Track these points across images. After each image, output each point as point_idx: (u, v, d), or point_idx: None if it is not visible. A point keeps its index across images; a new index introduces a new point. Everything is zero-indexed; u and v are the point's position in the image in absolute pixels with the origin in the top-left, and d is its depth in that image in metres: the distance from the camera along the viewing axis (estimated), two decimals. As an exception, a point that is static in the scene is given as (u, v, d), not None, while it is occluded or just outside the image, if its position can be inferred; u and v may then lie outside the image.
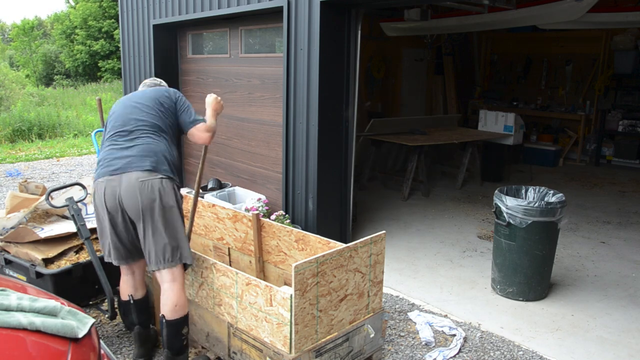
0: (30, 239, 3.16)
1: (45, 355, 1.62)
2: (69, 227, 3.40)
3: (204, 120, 2.98)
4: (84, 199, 3.32)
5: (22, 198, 3.56)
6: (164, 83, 3.32)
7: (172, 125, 2.94)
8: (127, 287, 3.02)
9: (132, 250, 2.85)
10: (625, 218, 6.23)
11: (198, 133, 2.94)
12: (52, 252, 3.09)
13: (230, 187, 5.76)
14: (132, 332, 3.08)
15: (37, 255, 3.07)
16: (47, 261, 3.11)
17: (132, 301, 3.01)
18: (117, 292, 3.42)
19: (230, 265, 3.79)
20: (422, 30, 8.17)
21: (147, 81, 3.28)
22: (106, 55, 23.70)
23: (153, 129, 2.82)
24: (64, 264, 3.19)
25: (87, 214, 3.57)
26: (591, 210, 6.52)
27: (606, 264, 4.84)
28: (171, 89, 3.08)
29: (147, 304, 3.12)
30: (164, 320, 2.72)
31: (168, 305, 2.72)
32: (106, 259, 2.88)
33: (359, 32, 4.77)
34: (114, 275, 3.17)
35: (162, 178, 2.68)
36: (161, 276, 2.74)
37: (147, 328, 3.11)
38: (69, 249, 3.22)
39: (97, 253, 3.23)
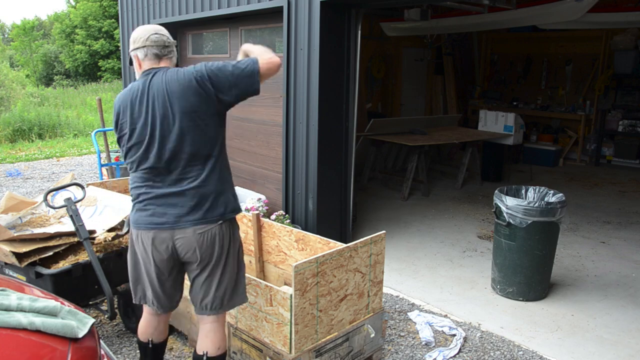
0: (3, 238, 3.11)
1: (45, 355, 1.62)
2: (58, 229, 3.39)
3: (253, 61, 2.29)
4: (82, 199, 3.32)
5: (18, 200, 3.56)
6: (169, 37, 2.45)
7: (216, 130, 2.34)
8: (149, 329, 2.63)
9: (172, 300, 2.57)
10: (625, 218, 6.23)
11: (265, 64, 2.27)
12: (25, 248, 3.06)
13: (230, 187, 5.76)
14: None
15: (9, 248, 3.02)
16: (20, 256, 3.05)
17: (150, 345, 2.64)
18: (116, 292, 3.42)
19: (230, 265, 3.79)
20: (422, 30, 8.17)
21: (153, 47, 2.36)
22: (106, 55, 23.72)
23: (195, 161, 2.31)
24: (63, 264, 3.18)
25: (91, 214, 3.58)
26: (591, 210, 6.52)
27: (606, 264, 4.84)
28: (193, 71, 2.28)
29: (163, 349, 2.76)
30: (205, 358, 2.46)
31: (211, 346, 2.46)
32: (136, 302, 2.59)
33: (359, 32, 4.77)
34: (113, 275, 3.17)
35: (220, 224, 2.35)
36: (203, 317, 2.48)
37: None
38: (47, 248, 3.16)
39: (97, 254, 3.23)
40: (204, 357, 2.44)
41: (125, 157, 2.41)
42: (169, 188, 2.32)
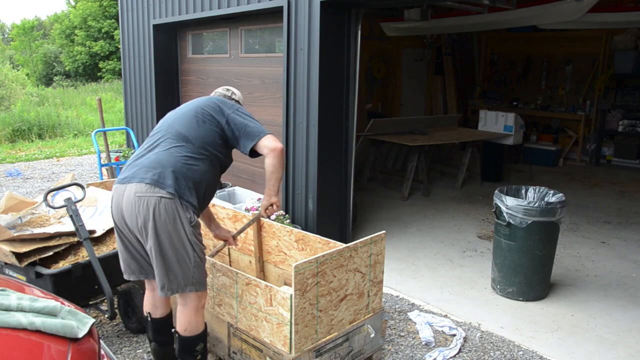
0: (3, 238, 3.12)
1: (45, 355, 1.62)
2: (58, 229, 3.39)
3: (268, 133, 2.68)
4: (82, 199, 3.32)
5: (18, 200, 3.55)
6: (236, 94, 2.99)
7: (211, 139, 2.60)
8: (147, 304, 2.81)
9: (144, 265, 2.64)
10: (625, 218, 6.23)
11: (265, 144, 2.62)
12: (25, 248, 3.07)
13: (230, 187, 5.76)
14: (150, 347, 2.94)
15: (9, 248, 3.03)
16: (20, 256, 3.06)
17: (149, 318, 2.80)
18: (116, 292, 3.42)
19: (230, 265, 3.79)
20: (422, 30, 8.18)
21: (219, 89, 3.00)
22: (106, 56, 23.70)
23: (175, 137, 2.55)
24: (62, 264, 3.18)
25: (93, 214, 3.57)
26: (591, 210, 6.52)
27: (606, 264, 4.84)
28: (231, 102, 2.79)
29: (165, 325, 2.82)
30: (176, 335, 2.63)
31: (178, 326, 2.61)
32: (125, 276, 2.71)
33: (359, 32, 4.77)
34: (113, 275, 3.17)
35: (161, 197, 2.38)
36: (174, 297, 2.62)
37: (165, 346, 2.84)
38: (47, 248, 3.16)
39: (98, 254, 3.23)
40: (176, 334, 2.64)
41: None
42: (144, 152, 2.58)
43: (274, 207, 2.79)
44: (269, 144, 2.60)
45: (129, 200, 2.43)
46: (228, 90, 2.98)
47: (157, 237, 2.40)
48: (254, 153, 2.68)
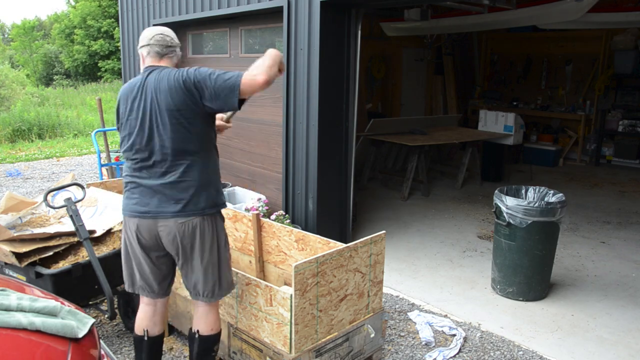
0: (3, 238, 3.12)
1: (45, 355, 1.62)
2: (58, 229, 3.38)
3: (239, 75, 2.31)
4: (82, 199, 3.32)
5: (18, 200, 3.55)
6: (173, 39, 2.56)
7: (202, 128, 2.42)
8: (145, 320, 2.69)
9: (162, 286, 2.66)
10: (625, 218, 6.23)
11: (247, 81, 2.28)
12: (25, 248, 3.07)
13: (230, 187, 5.76)
14: None
15: (9, 248, 3.03)
16: (20, 256, 3.06)
17: (146, 337, 2.68)
18: (116, 292, 3.42)
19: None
20: (422, 30, 8.18)
21: (154, 46, 2.49)
22: (106, 56, 23.70)
23: (180, 156, 2.39)
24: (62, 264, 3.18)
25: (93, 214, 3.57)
26: (591, 210, 6.52)
27: (606, 264, 4.84)
28: (183, 73, 2.37)
29: (159, 344, 2.78)
30: (196, 335, 2.62)
31: (205, 327, 2.62)
32: (127, 289, 2.68)
33: (359, 32, 4.77)
34: (113, 275, 3.17)
35: (203, 216, 2.44)
36: (197, 302, 2.64)
37: None
38: (47, 248, 3.16)
39: (98, 254, 3.23)
40: (196, 335, 2.63)
41: (120, 146, 2.56)
42: (153, 180, 2.44)
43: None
44: (249, 81, 2.28)
45: (168, 228, 2.43)
46: (164, 38, 2.52)
47: (202, 253, 2.48)
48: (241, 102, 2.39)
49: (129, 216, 2.50)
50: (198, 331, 2.63)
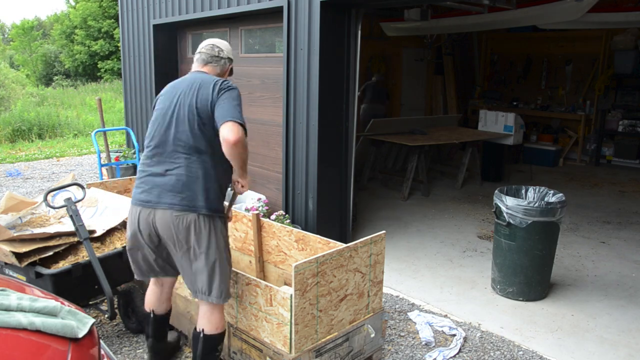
0: (3, 238, 3.11)
1: (45, 355, 1.62)
2: (58, 229, 3.38)
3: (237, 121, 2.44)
4: (82, 199, 3.32)
5: (18, 200, 3.55)
6: (224, 50, 2.75)
7: (213, 133, 2.51)
8: (152, 299, 2.89)
9: (165, 267, 2.77)
10: (625, 218, 6.23)
11: (224, 130, 2.40)
12: (25, 248, 3.07)
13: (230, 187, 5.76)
14: (146, 343, 3.01)
15: (9, 248, 3.03)
16: (20, 256, 3.06)
17: (152, 315, 2.90)
18: (116, 292, 3.42)
19: (230, 265, 3.79)
20: (422, 30, 8.18)
21: (203, 54, 2.72)
22: (106, 56, 23.69)
23: (189, 152, 2.52)
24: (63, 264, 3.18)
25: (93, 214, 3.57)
26: (591, 210, 6.52)
27: (606, 264, 4.84)
28: (219, 83, 2.55)
29: (165, 321, 2.98)
30: (201, 335, 2.65)
31: (209, 326, 2.65)
32: (136, 277, 2.81)
33: (359, 32, 4.77)
34: (113, 275, 3.17)
35: (198, 214, 2.50)
36: (200, 301, 2.68)
37: (161, 341, 3.00)
38: (47, 248, 3.16)
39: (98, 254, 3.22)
40: (201, 334, 2.67)
41: (147, 134, 2.71)
42: (159, 168, 2.58)
43: (239, 185, 2.76)
44: (226, 133, 2.39)
45: (164, 220, 2.53)
46: (214, 48, 2.74)
47: (195, 253, 2.54)
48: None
49: (134, 204, 2.64)
50: (203, 330, 2.66)
